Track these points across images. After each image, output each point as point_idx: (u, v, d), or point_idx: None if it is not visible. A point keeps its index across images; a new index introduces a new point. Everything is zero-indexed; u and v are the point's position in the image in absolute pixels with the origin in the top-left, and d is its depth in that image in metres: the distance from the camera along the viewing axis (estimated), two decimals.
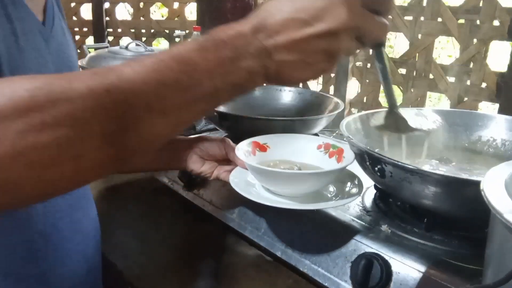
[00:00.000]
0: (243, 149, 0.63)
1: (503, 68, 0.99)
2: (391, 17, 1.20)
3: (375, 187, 0.68)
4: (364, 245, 0.56)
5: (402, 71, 1.21)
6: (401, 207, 0.63)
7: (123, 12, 2.62)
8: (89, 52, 1.29)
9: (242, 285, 0.64)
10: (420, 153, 0.72)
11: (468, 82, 1.07)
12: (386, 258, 0.53)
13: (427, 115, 0.76)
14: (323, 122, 0.88)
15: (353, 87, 1.38)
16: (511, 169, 0.40)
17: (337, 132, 1.04)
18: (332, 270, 0.58)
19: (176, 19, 1.99)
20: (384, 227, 0.58)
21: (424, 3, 1.12)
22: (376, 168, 0.55)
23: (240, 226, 0.72)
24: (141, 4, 2.00)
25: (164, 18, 2.08)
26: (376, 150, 0.58)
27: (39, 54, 0.51)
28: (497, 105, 1.02)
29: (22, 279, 0.54)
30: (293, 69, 0.38)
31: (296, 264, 0.62)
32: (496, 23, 1.00)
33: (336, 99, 0.97)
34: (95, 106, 0.31)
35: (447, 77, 1.11)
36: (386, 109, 0.58)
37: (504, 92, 0.99)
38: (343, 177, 0.63)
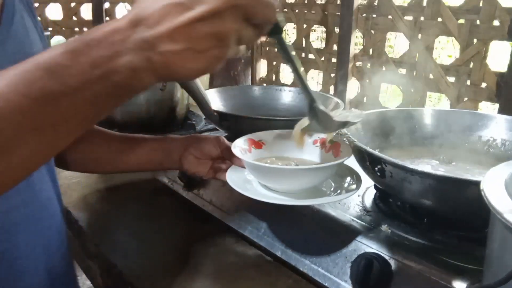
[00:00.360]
0: (239, 147, 0.63)
1: (503, 68, 0.99)
2: (391, 17, 1.20)
3: (375, 187, 0.68)
4: (364, 245, 0.56)
5: (402, 71, 1.21)
6: (401, 207, 0.63)
7: (123, 12, 2.60)
8: None
9: (242, 285, 0.64)
10: (420, 153, 0.72)
11: (468, 82, 1.07)
12: (386, 258, 0.53)
13: (421, 114, 0.76)
14: None
15: (353, 87, 1.38)
16: (511, 169, 0.40)
17: (337, 132, 1.03)
18: (332, 270, 0.58)
19: None
20: (384, 227, 0.58)
21: (424, 3, 1.12)
22: (376, 168, 0.55)
23: (240, 226, 0.72)
24: None
25: None
26: (377, 150, 0.58)
27: None
28: (497, 105, 1.02)
29: None
30: (183, 60, 0.35)
31: (296, 264, 0.62)
32: (496, 23, 1.00)
33: (336, 99, 0.97)
34: None
35: (447, 77, 1.11)
36: (307, 106, 0.52)
37: (504, 92, 0.99)
38: (342, 172, 0.63)
